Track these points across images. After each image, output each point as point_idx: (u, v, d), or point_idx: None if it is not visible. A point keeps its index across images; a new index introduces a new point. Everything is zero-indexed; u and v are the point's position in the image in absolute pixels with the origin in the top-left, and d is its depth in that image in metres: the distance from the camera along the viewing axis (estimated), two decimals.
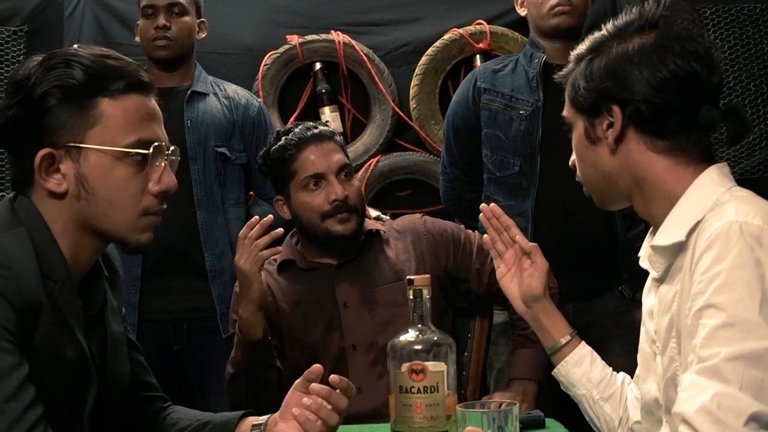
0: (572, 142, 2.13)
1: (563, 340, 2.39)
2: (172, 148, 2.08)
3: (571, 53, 2.13)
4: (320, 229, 3.10)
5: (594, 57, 2.04)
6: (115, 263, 2.23)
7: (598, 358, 2.40)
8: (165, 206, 2.09)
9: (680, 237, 1.94)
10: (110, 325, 2.14)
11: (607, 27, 2.08)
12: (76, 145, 1.97)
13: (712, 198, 1.93)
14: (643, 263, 2.10)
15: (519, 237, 2.46)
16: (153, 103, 2.07)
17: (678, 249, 1.96)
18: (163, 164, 2.05)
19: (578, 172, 2.15)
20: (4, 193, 4.59)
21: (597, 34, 2.09)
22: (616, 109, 1.99)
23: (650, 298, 2.11)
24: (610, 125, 2.01)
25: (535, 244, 2.45)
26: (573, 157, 2.16)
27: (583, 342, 2.42)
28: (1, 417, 1.77)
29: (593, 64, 2.03)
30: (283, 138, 3.16)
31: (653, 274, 2.06)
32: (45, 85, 1.95)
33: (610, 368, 2.39)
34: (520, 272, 2.46)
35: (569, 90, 2.09)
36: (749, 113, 4.72)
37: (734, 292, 1.77)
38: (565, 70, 2.14)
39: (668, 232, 1.97)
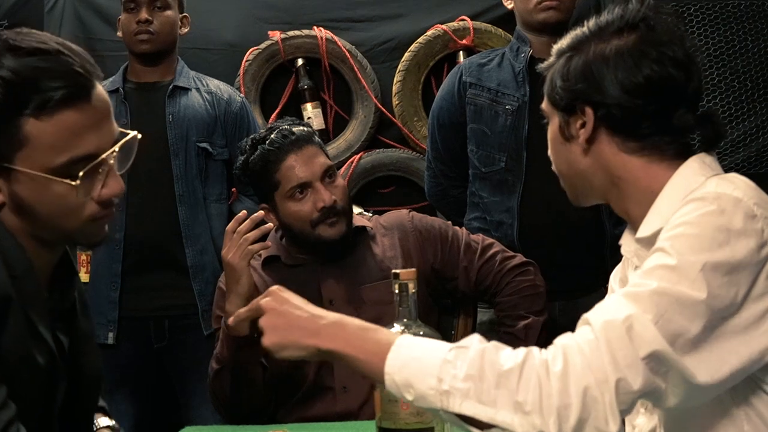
0: (548, 135, 2.15)
1: None
2: (119, 144, 1.92)
3: (553, 47, 2.13)
4: (311, 236, 3.07)
5: (573, 55, 2.04)
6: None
7: None
8: (116, 204, 1.97)
9: (661, 224, 1.93)
10: (78, 321, 2.08)
11: (589, 25, 2.08)
12: (6, 165, 1.84)
13: (692, 186, 1.93)
14: (626, 253, 2.12)
15: None
16: (93, 105, 1.88)
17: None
18: (107, 171, 1.91)
19: (553, 165, 2.16)
20: None
21: (578, 31, 2.09)
22: (588, 111, 2.00)
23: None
24: (583, 125, 2.02)
25: None
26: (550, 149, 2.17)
27: None
28: None
29: (571, 62, 2.03)
30: (259, 147, 3.10)
31: (638, 264, 2.04)
32: None
33: None
34: None
35: (547, 85, 2.10)
36: (734, 110, 4.72)
37: (687, 243, 1.77)
38: (546, 63, 2.14)
39: (651, 222, 1.98)
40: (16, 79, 1.81)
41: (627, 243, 2.11)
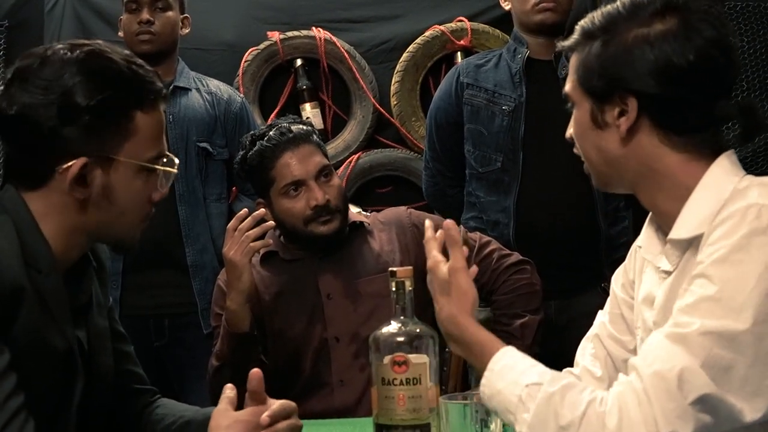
0: (573, 118, 2.02)
1: None
2: (170, 155, 2.10)
3: (578, 25, 2.01)
4: (304, 233, 3.09)
5: (609, 39, 1.92)
6: (102, 256, 2.21)
7: None
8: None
9: (702, 229, 1.85)
10: (94, 318, 2.12)
11: (621, 2, 1.95)
12: (110, 156, 1.96)
13: (728, 187, 1.86)
14: (647, 255, 2.03)
15: None
16: (162, 111, 2.08)
17: (698, 242, 1.86)
18: (164, 174, 2.07)
19: (579, 150, 2.04)
20: None
21: (609, 8, 1.96)
22: (631, 100, 1.89)
23: (649, 287, 2.03)
24: (622, 113, 1.91)
25: None
26: (570, 131, 2.05)
27: None
28: None
29: (609, 47, 1.91)
30: (258, 143, 3.13)
31: (665, 267, 1.96)
32: (84, 95, 1.92)
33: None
34: None
35: (579, 69, 1.97)
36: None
37: (730, 269, 1.72)
38: (569, 42, 2.02)
39: (687, 224, 1.89)
40: (132, 75, 2.00)
41: (650, 244, 2.03)
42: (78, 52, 1.97)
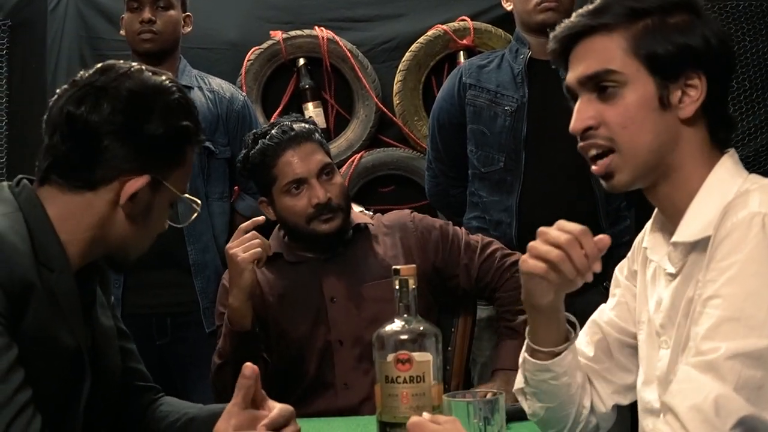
0: (618, 101, 1.91)
1: None
2: None
3: (586, 7, 1.95)
4: (306, 231, 3.10)
5: (663, 16, 1.88)
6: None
7: None
8: None
9: (708, 232, 1.84)
10: (99, 318, 2.14)
11: None
12: (162, 180, 2.04)
13: (732, 189, 1.86)
14: (653, 256, 2.03)
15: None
16: None
17: (702, 244, 1.86)
18: None
19: (624, 137, 1.91)
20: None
21: None
22: (702, 80, 1.87)
23: (658, 290, 2.02)
24: (682, 95, 1.87)
25: None
26: (584, 123, 1.94)
27: None
28: None
29: (669, 22, 1.88)
30: (260, 142, 3.14)
31: (669, 269, 1.96)
32: (162, 120, 2.02)
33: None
34: None
35: (634, 45, 1.89)
36: (731, 111, 4.71)
37: (744, 286, 1.72)
38: (585, 18, 1.93)
39: (691, 227, 1.89)
40: (194, 111, 2.12)
41: (656, 245, 2.02)
42: (161, 78, 2.06)
